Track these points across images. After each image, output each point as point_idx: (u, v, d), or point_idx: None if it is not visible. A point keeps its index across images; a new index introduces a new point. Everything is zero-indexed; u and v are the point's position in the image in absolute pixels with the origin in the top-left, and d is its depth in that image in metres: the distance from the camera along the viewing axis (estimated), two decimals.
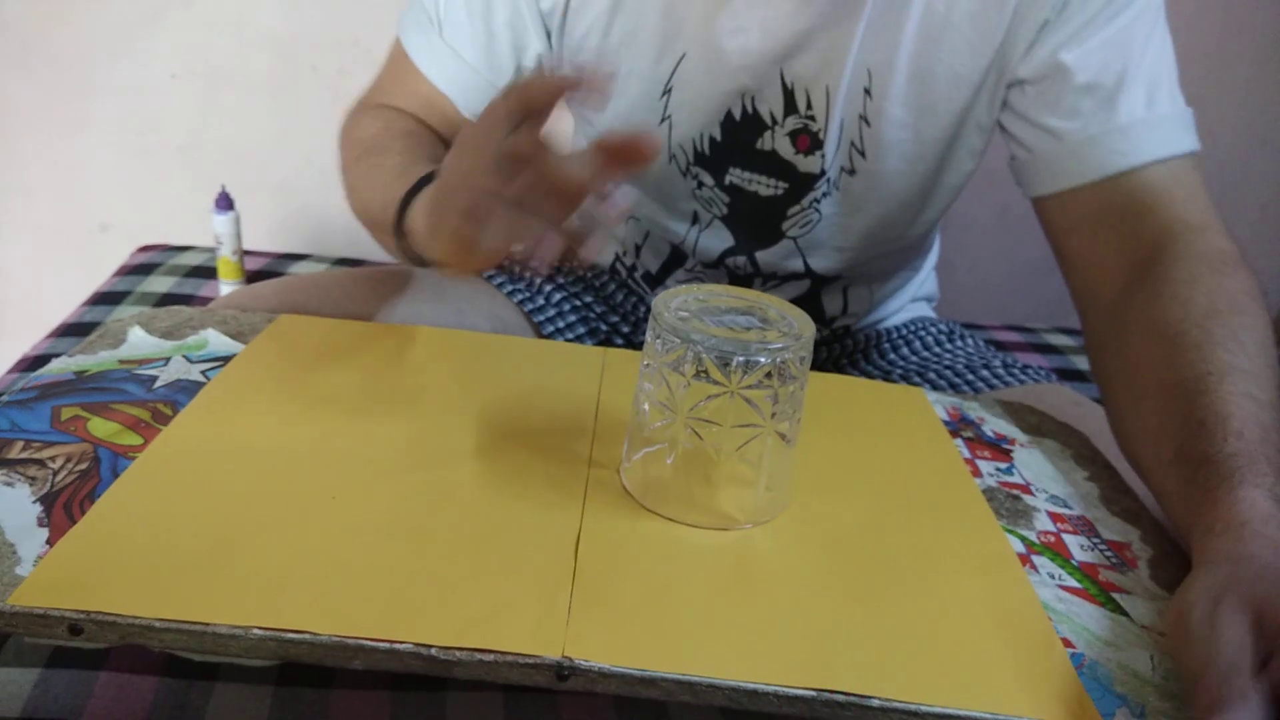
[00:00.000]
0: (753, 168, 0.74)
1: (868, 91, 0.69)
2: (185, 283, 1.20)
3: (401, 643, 0.37)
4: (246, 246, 1.26)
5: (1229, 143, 1.77)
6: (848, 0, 0.65)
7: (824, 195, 0.74)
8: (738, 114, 0.71)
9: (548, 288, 0.86)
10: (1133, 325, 0.58)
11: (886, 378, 0.83)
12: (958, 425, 0.61)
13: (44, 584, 0.38)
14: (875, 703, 0.37)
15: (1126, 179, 0.64)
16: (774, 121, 0.71)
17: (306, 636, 0.37)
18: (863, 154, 0.71)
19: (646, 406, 0.48)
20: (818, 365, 0.85)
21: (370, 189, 0.65)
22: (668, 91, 0.72)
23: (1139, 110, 0.64)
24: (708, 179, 0.75)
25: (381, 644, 0.37)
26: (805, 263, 0.79)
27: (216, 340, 0.60)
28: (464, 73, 0.73)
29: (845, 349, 0.87)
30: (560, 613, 0.40)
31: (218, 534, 0.42)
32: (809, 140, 0.71)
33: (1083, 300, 0.66)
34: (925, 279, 0.93)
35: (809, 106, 0.70)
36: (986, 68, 0.68)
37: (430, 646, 0.37)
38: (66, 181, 1.52)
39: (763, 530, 0.48)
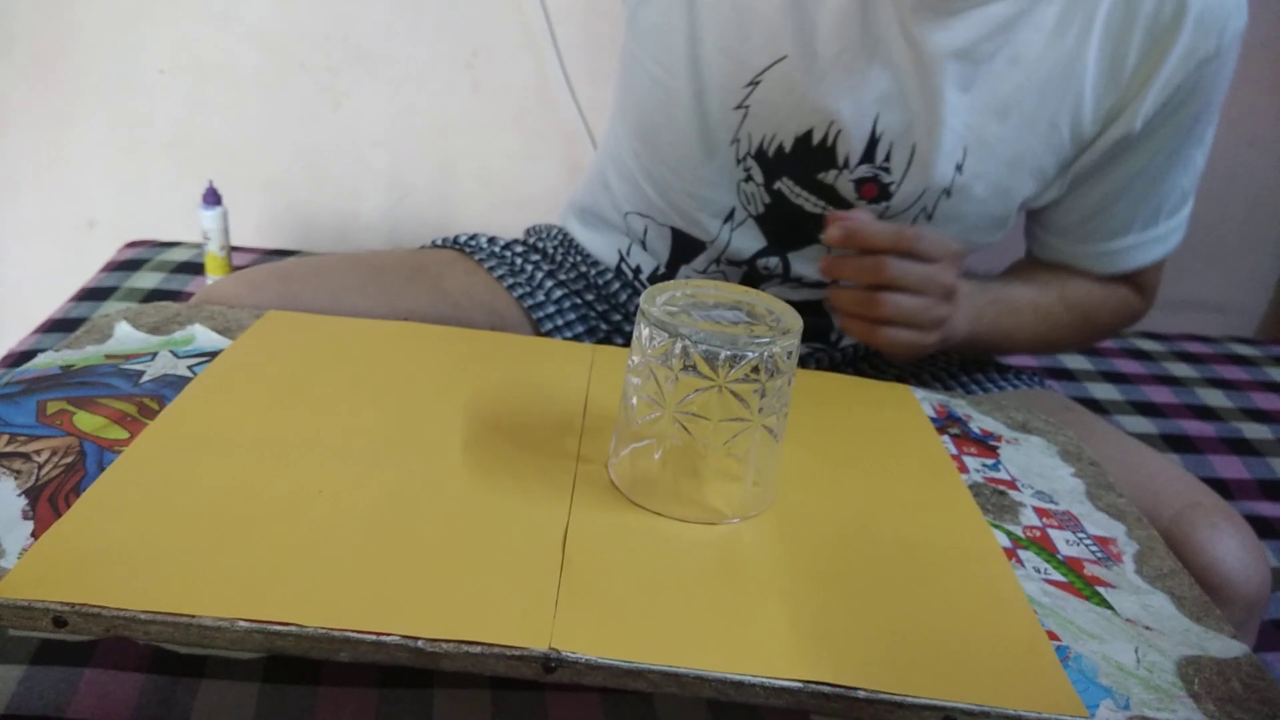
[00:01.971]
0: (807, 189, 0.73)
1: (959, 168, 0.70)
2: (173, 278, 1.19)
3: (388, 634, 0.37)
4: (234, 242, 1.25)
5: (1217, 142, 1.77)
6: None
7: None
8: (816, 139, 0.71)
9: (549, 284, 0.85)
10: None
11: (881, 378, 0.83)
12: (944, 422, 0.61)
13: (28, 576, 0.38)
14: (861, 694, 0.37)
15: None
16: (845, 165, 0.71)
17: (293, 628, 0.37)
18: (929, 217, 0.72)
19: (634, 401, 0.48)
20: (844, 369, 0.85)
21: None
22: (754, 84, 0.70)
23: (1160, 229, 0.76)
24: (758, 175, 0.74)
25: (368, 636, 0.37)
26: None
27: (204, 335, 0.60)
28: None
29: (846, 357, 0.87)
30: (547, 605, 0.40)
31: (204, 527, 0.42)
32: (876, 190, 0.71)
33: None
34: None
35: (887, 159, 0.70)
36: (1066, 159, 0.72)
37: (417, 638, 0.37)
38: (54, 177, 1.51)
39: (749, 525, 0.48)
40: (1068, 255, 0.79)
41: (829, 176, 0.71)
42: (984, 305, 0.72)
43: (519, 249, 0.88)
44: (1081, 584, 0.47)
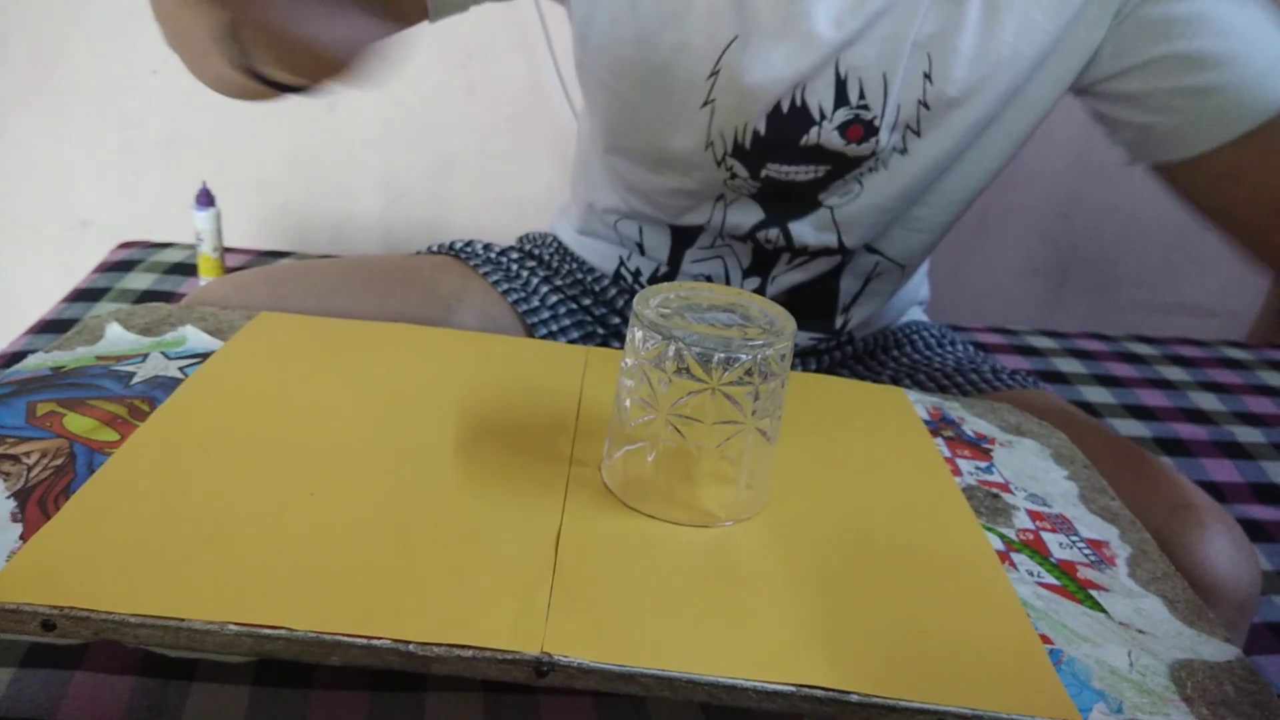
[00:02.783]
0: (793, 161, 0.72)
1: (928, 76, 0.68)
2: (165, 279, 1.19)
3: (379, 638, 0.37)
4: (227, 244, 1.25)
5: None
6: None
7: (869, 170, 0.72)
8: (785, 107, 0.69)
9: (544, 289, 0.85)
10: None
11: (877, 379, 0.83)
12: (938, 425, 0.61)
13: (17, 579, 0.37)
14: (854, 698, 0.37)
15: None
16: (822, 116, 0.69)
17: (283, 632, 0.36)
18: (918, 134, 0.70)
19: (628, 403, 0.48)
20: (812, 372, 0.85)
21: None
22: (715, 73, 0.69)
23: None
24: (742, 171, 0.73)
25: (359, 640, 0.37)
26: (839, 234, 0.77)
27: (195, 337, 0.60)
28: None
29: (845, 355, 0.87)
30: (539, 609, 0.40)
31: (194, 530, 0.42)
32: (862, 129, 0.69)
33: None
34: (920, 283, 0.94)
35: (861, 96, 0.68)
36: (1047, 48, 0.67)
37: (408, 642, 0.37)
38: (47, 177, 1.51)
39: (743, 528, 0.48)
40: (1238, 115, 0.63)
41: (811, 136, 0.70)
42: None
43: (514, 255, 0.88)
44: (1075, 587, 0.46)
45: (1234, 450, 1.09)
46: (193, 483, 0.45)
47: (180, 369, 0.56)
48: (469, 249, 0.86)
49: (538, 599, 0.40)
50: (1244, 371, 1.29)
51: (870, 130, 0.69)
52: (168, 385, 0.53)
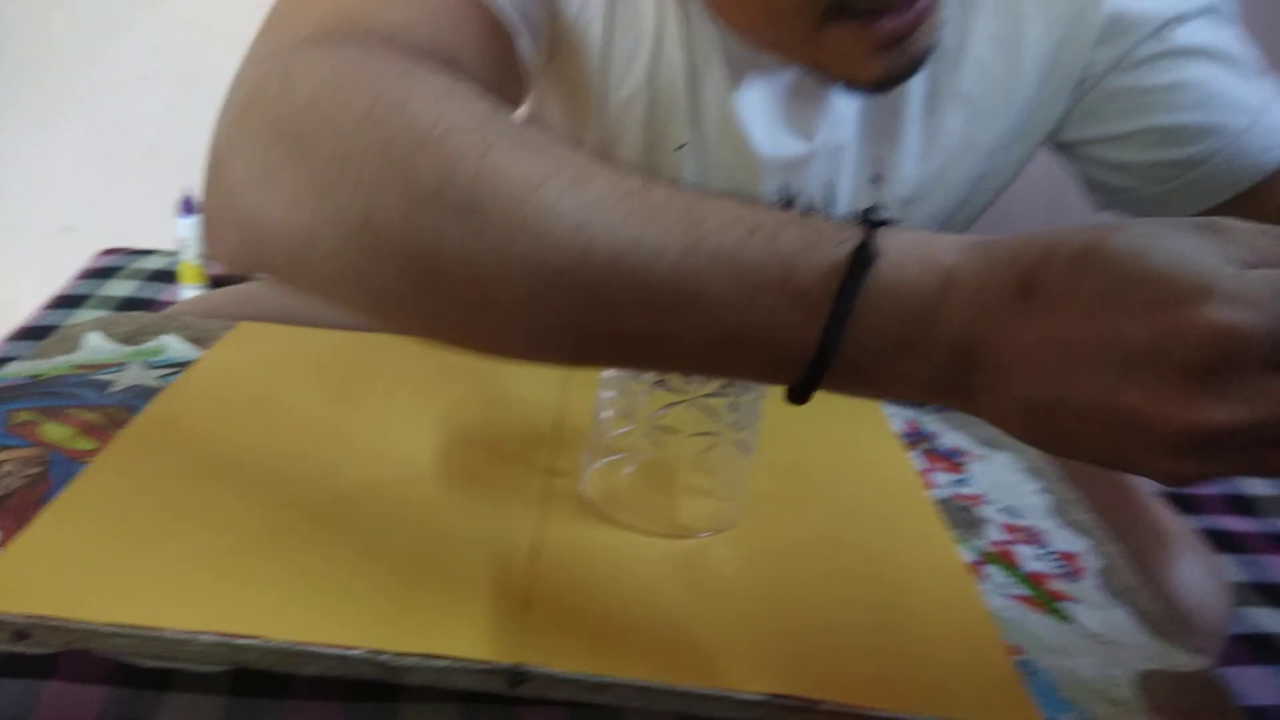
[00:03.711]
0: None
1: (875, 180, 0.66)
2: (147, 287, 1.19)
3: (353, 648, 0.37)
4: None
5: None
6: (846, 120, 0.63)
7: None
8: None
9: None
10: None
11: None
12: (914, 438, 0.61)
13: None
14: (825, 708, 0.38)
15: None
16: None
17: (257, 642, 0.37)
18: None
19: (606, 415, 0.48)
20: None
21: (631, 247, 0.34)
22: (673, 171, 0.67)
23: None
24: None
25: (333, 650, 0.37)
26: None
27: (176, 346, 0.60)
28: None
29: None
30: (515, 619, 0.40)
31: (170, 540, 0.42)
32: None
33: None
34: None
35: (810, 208, 0.67)
36: (1004, 132, 0.65)
37: (382, 652, 0.37)
38: (31, 182, 1.50)
39: (719, 539, 0.48)
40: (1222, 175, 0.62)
41: None
42: None
43: None
44: (1044, 599, 0.47)
45: None
46: (169, 492, 0.45)
47: (159, 378, 0.56)
48: None
49: (513, 608, 0.40)
50: None
51: None
52: (146, 394, 0.53)
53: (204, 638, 0.36)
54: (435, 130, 0.36)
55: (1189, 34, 0.61)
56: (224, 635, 0.36)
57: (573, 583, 0.43)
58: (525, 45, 0.55)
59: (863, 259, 0.32)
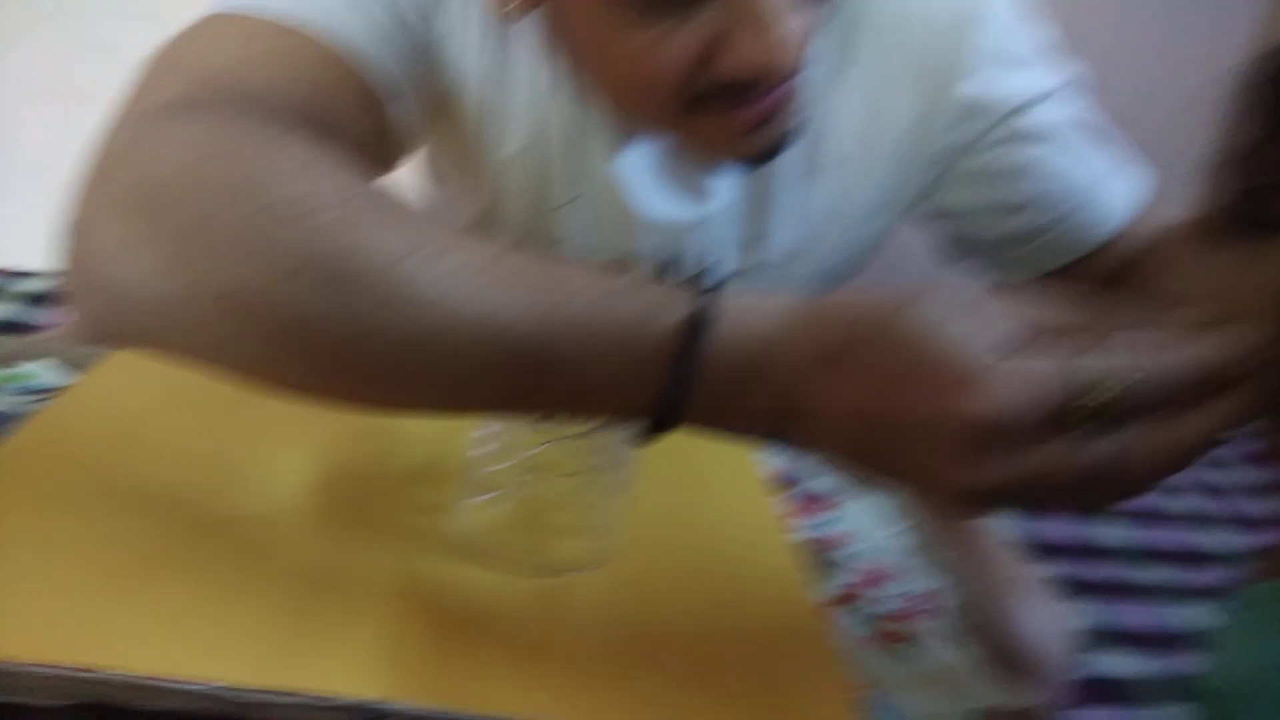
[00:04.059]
0: None
1: (752, 245, 0.69)
2: (28, 311, 1.15)
3: (202, 682, 0.37)
4: None
5: None
6: (726, 184, 0.66)
7: None
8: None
9: None
10: None
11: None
12: (786, 479, 0.64)
13: None
14: None
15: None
16: None
17: (116, 675, 0.36)
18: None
19: (480, 452, 0.49)
20: None
21: (492, 313, 0.37)
22: (559, 242, 0.69)
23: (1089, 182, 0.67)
24: None
25: (181, 684, 0.37)
26: None
27: (48, 372, 0.59)
28: (354, 25, 0.53)
29: None
30: (377, 654, 0.40)
31: (18, 569, 0.41)
32: None
33: None
34: None
35: (690, 265, 0.69)
36: (869, 205, 0.69)
37: (238, 688, 0.37)
38: None
39: (588, 578, 0.49)
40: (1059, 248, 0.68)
41: None
42: None
43: None
44: (895, 636, 0.50)
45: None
46: (34, 521, 0.44)
47: (30, 403, 0.55)
48: None
49: (376, 644, 0.41)
50: None
51: None
52: (15, 420, 0.52)
53: (60, 671, 0.36)
54: (302, 205, 0.37)
55: (1036, 118, 0.66)
56: (80, 668, 0.36)
57: (438, 619, 0.44)
58: (401, 109, 0.56)
59: (699, 327, 0.37)
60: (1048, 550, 1.09)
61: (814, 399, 0.37)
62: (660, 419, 0.39)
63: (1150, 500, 1.22)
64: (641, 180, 0.66)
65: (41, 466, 0.49)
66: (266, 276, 0.37)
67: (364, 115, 0.53)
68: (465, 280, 0.37)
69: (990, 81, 0.65)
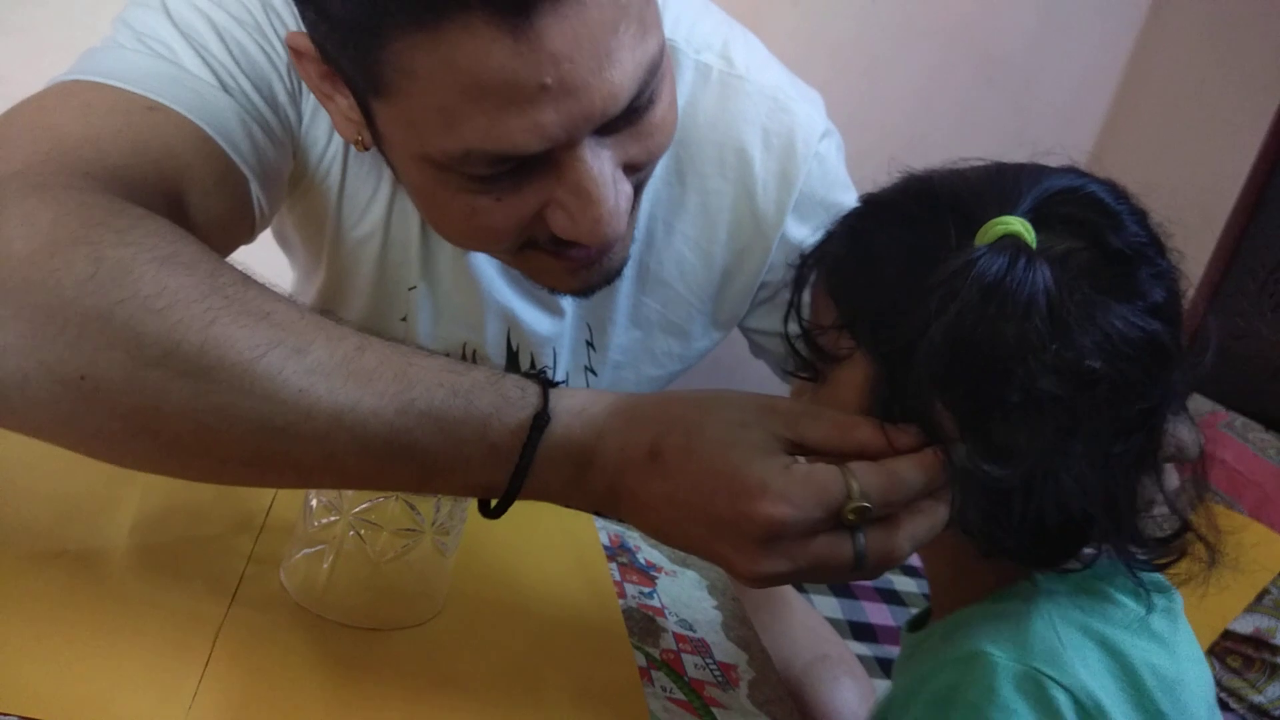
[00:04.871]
0: None
1: (590, 344, 0.72)
2: None
3: (7, 715, 0.36)
4: None
5: None
6: None
7: None
8: (466, 354, 0.72)
9: None
10: None
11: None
12: (616, 550, 0.67)
13: None
14: None
15: None
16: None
17: None
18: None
19: (314, 504, 0.50)
20: None
21: (347, 407, 0.41)
22: (405, 318, 0.70)
23: None
24: None
25: None
26: None
27: None
28: (221, 103, 0.54)
29: None
30: (183, 696, 0.40)
31: None
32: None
33: None
34: None
35: (532, 365, 0.72)
36: (695, 316, 0.73)
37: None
38: None
39: (410, 633, 0.51)
40: None
41: None
42: None
43: None
44: (700, 704, 0.53)
45: (891, 597, 1.24)
46: None
47: None
48: None
49: (183, 689, 0.41)
50: None
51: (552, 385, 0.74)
52: None
53: None
54: (160, 299, 0.39)
55: None
56: None
57: (251, 668, 0.44)
58: (262, 186, 0.57)
59: (540, 423, 0.43)
60: (869, 633, 1.15)
61: (635, 486, 0.43)
62: (504, 497, 0.45)
63: None
64: (493, 268, 0.68)
65: None
66: (125, 363, 0.38)
67: (226, 193, 0.54)
68: (326, 375, 0.40)
69: (813, 225, 0.70)
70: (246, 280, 0.43)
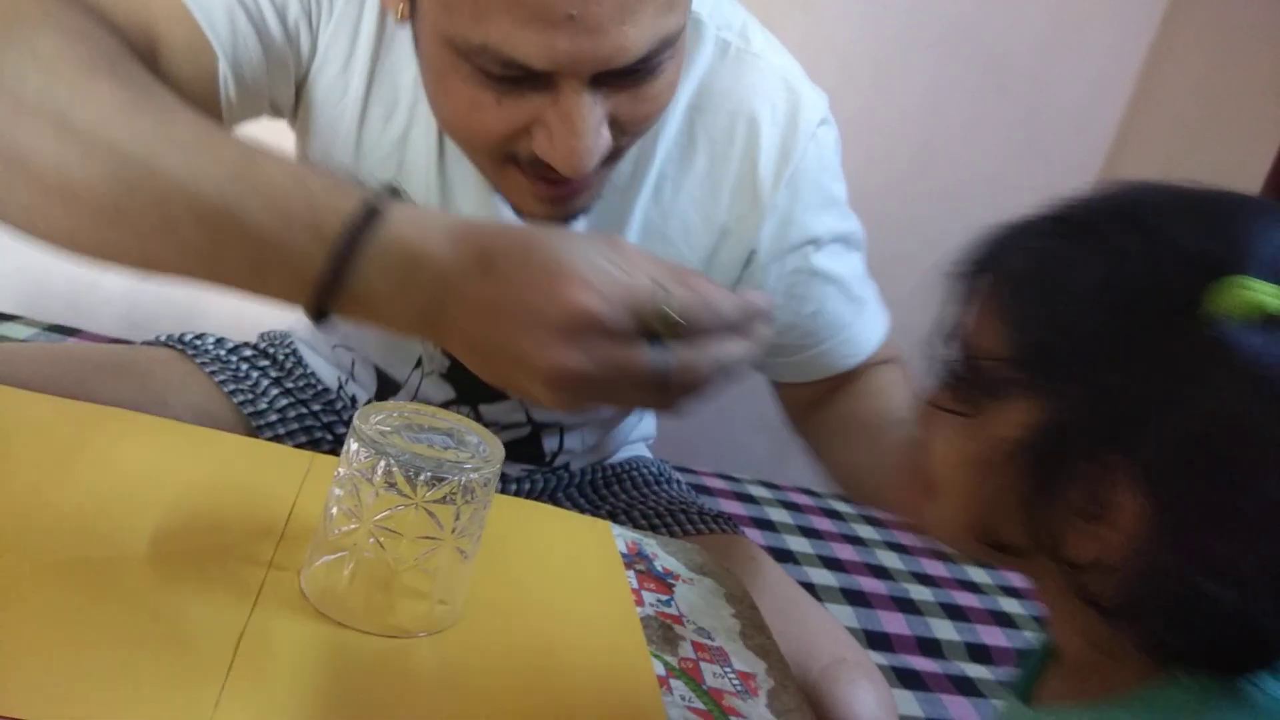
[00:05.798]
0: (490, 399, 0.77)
1: None
2: None
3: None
4: None
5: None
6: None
7: None
8: None
9: (274, 392, 0.84)
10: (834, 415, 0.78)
11: (596, 512, 0.88)
12: (633, 558, 0.67)
13: None
14: None
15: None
16: None
17: None
18: None
19: (334, 511, 0.50)
20: (534, 495, 0.89)
21: (186, 173, 0.46)
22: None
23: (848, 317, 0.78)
24: (432, 348, 0.77)
25: None
26: (528, 414, 0.83)
27: None
28: (229, 20, 0.61)
29: (561, 482, 0.92)
30: (207, 703, 0.41)
31: None
32: None
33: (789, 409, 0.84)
34: (645, 419, 1.01)
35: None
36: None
37: None
38: None
39: (431, 641, 0.51)
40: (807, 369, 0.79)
41: None
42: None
43: (248, 353, 0.87)
44: (719, 713, 0.53)
45: (907, 606, 1.23)
46: None
47: None
48: (198, 343, 0.85)
49: (206, 695, 0.41)
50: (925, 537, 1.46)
51: None
52: None
53: None
54: (51, 61, 0.47)
55: (821, 258, 0.76)
56: None
57: (273, 674, 0.44)
58: (228, 70, 0.61)
59: (372, 213, 0.46)
60: (884, 641, 1.15)
61: (461, 289, 0.45)
62: (325, 291, 0.46)
63: (991, 602, 1.29)
64: (511, 218, 0.70)
65: None
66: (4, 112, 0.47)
67: (191, 60, 0.60)
68: (180, 143, 0.47)
69: (802, 204, 0.74)
70: (148, 74, 0.51)
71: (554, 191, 0.60)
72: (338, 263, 0.45)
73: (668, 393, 0.44)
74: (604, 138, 0.56)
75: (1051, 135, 1.86)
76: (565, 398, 0.44)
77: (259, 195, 0.46)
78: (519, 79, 0.53)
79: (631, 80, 0.55)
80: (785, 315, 0.77)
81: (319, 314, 0.47)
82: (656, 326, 0.40)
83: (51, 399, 0.62)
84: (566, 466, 0.91)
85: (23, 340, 1.31)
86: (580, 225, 0.71)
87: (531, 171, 0.59)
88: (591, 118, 0.54)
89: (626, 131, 0.59)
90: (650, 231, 0.73)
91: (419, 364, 0.80)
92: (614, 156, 0.60)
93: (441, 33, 0.54)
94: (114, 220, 0.47)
